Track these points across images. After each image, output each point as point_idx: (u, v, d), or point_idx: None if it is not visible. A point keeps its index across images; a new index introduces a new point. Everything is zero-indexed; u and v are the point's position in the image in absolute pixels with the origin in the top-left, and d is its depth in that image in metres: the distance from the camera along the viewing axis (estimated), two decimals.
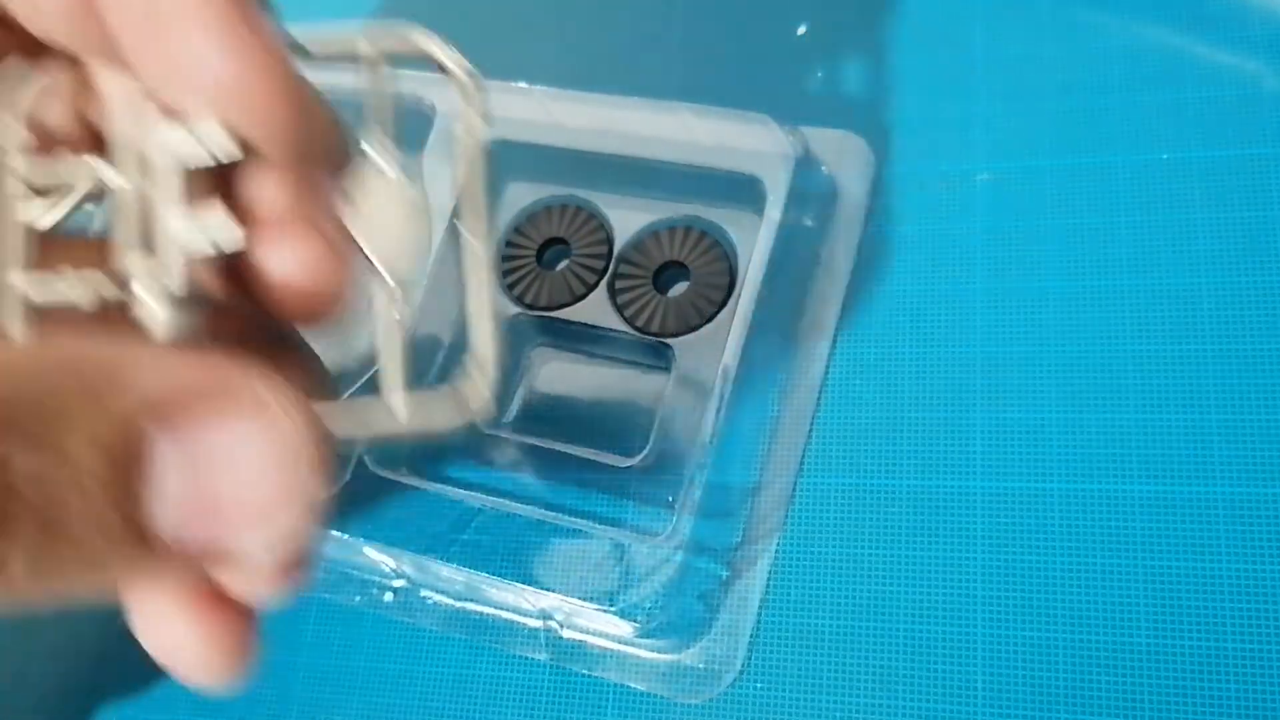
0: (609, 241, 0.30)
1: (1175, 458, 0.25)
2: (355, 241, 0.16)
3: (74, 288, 0.15)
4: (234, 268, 0.16)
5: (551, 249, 0.31)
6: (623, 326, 0.29)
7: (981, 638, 0.25)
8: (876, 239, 0.30)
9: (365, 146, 0.16)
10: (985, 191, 0.29)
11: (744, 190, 0.29)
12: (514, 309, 0.30)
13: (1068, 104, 0.30)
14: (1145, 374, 0.26)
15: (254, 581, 0.16)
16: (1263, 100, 0.28)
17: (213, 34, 0.14)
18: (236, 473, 0.13)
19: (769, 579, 0.27)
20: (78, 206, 0.16)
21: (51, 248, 0.16)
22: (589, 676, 0.27)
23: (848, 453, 0.28)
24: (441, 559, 0.28)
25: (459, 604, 0.29)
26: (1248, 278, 0.27)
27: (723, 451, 0.27)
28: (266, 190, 0.16)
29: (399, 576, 0.29)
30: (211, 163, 0.15)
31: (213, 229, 0.15)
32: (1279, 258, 0.27)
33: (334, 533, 0.29)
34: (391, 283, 0.16)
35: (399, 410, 0.15)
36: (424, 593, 0.29)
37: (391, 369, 0.15)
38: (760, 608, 0.27)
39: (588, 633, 0.27)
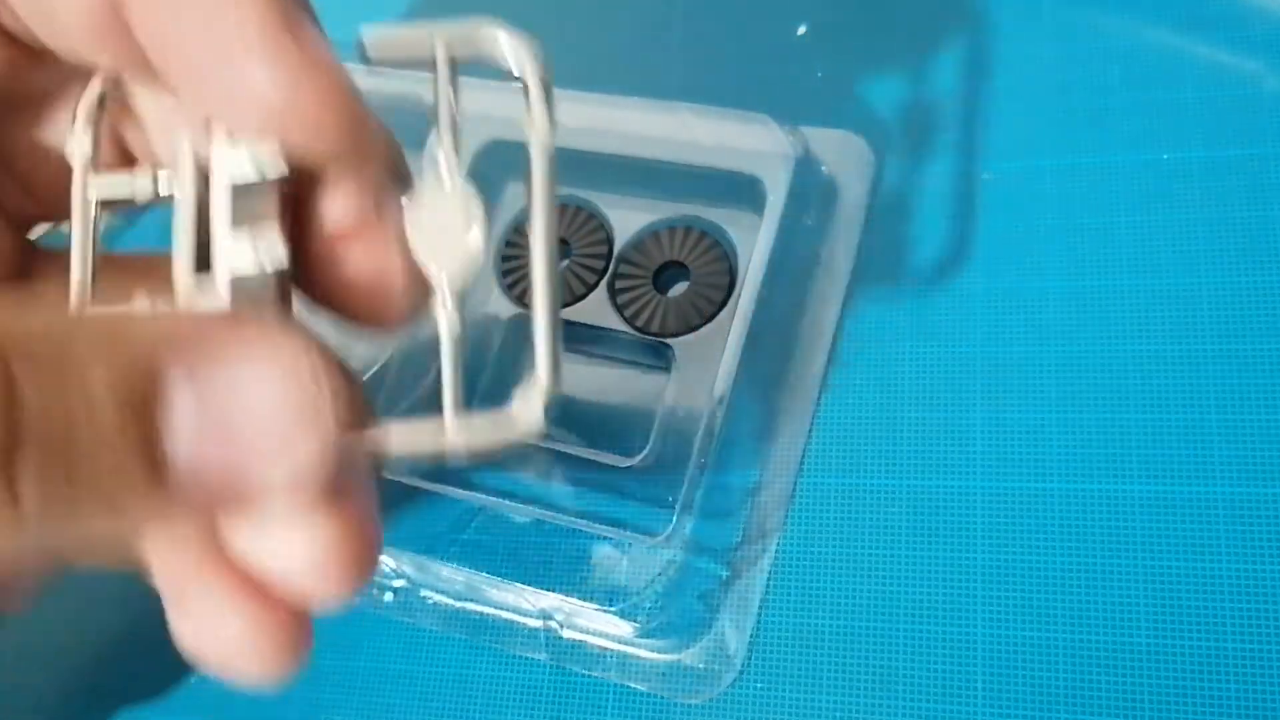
0: (609, 241, 0.30)
1: (1175, 458, 0.25)
2: (413, 250, 0.16)
3: (137, 302, 0.15)
4: (304, 273, 0.16)
5: None
6: (623, 326, 0.29)
7: (981, 638, 0.25)
8: (876, 239, 0.30)
9: (429, 152, 0.16)
10: (985, 191, 0.29)
11: (744, 190, 0.29)
12: (514, 309, 0.30)
13: (1068, 104, 0.30)
14: (1145, 374, 0.26)
15: (283, 525, 0.15)
16: (1263, 100, 0.28)
17: (267, 61, 0.14)
18: (251, 402, 0.13)
19: (769, 579, 0.27)
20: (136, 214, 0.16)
21: (110, 263, 0.16)
22: (589, 677, 0.27)
23: (848, 452, 0.28)
24: (441, 559, 0.28)
25: (459, 604, 0.29)
26: (1248, 278, 0.27)
27: (723, 451, 0.27)
28: (330, 205, 0.16)
29: (399, 576, 0.29)
30: (257, 180, 0.15)
31: (261, 249, 0.15)
32: (1279, 258, 0.27)
33: None
34: (447, 293, 0.15)
35: (453, 429, 0.15)
36: (424, 593, 0.29)
37: (449, 385, 0.15)
38: (760, 608, 0.27)
39: (588, 633, 0.27)
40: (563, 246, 0.31)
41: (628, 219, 0.30)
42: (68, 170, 0.17)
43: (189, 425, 0.13)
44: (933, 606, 0.26)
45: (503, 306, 0.31)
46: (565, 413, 0.30)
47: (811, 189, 0.29)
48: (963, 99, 0.31)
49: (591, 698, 0.27)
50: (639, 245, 0.30)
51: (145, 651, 0.31)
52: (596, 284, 0.30)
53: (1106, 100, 0.30)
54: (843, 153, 0.30)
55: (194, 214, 0.15)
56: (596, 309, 0.29)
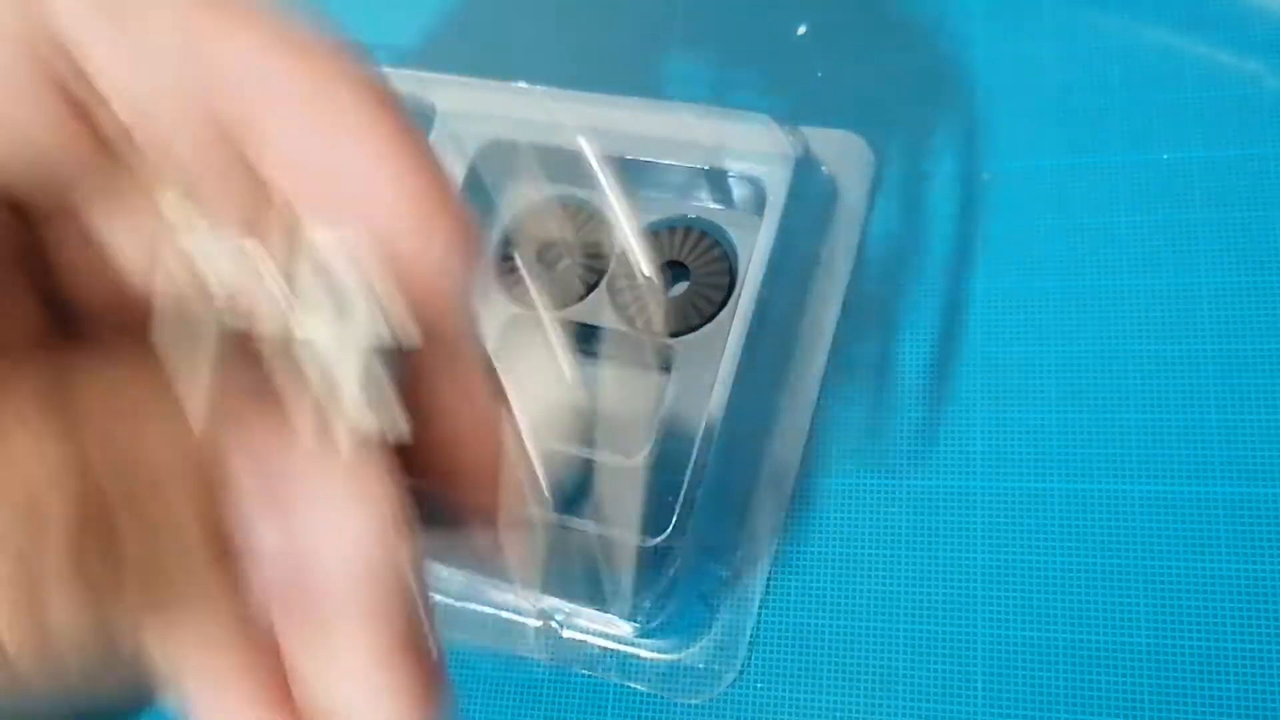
0: (610, 242, 0.30)
1: (1175, 458, 0.25)
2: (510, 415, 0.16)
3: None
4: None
5: (552, 250, 0.31)
6: (623, 326, 0.29)
7: (981, 637, 0.25)
8: (876, 239, 0.30)
9: (541, 315, 0.16)
10: (985, 191, 0.29)
11: (744, 190, 0.29)
12: (514, 309, 0.30)
13: (1068, 104, 0.30)
14: (1145, 374, 0.26)
15: (357, 666, 0.16)
16: (1263, 100, 0.28)
17: (405, 194, 0.14)
18: (330, 537, 0.14)
19: (769, 579, 0.27)
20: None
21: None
22: (589, 677, 0.27)
23: (848, 452, 0.28)
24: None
25: (459, 604, 0.29)
26: (1248, 278, 0.27)
27: (723, 451, 0.27)
28: (445, 380, 0.16)
29: None
30: (389, 344, 0.15)
31: (384, 417, 0.15)
32: (1279, 258, 0.27)
33: None
34: (534, 456, 0.16)
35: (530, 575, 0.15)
36: None
37: (509, 501, 0.16)
38: (760, 608, 0.27)
39: (588, 633, 0.27)
40: (563, 246, 0.31)
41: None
42: (104, 273, 0.17)
43: (265, 550, 0.13)
44: (933, 606, 0.26)
45: (502, 306, 0.31)
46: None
47: (811, 189, 0.29)
48: (963, 99, 0.31)
49: (592, 698, 0.27)
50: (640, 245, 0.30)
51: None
52: (596, 284, 0.30)
53: (1106, 100, 0.30)
54: (843, 153, 0.30)
55: (283, 302, 0.15)
56: (596, 309, 0.29)
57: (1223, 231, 0.27)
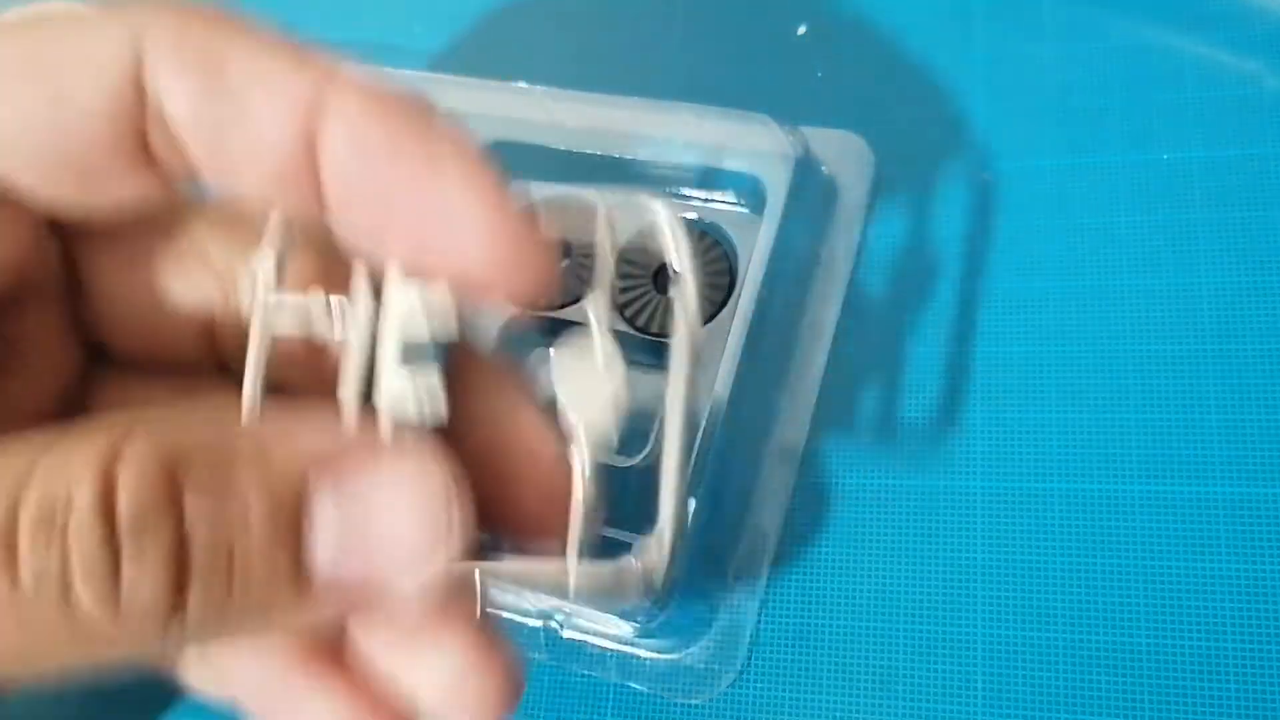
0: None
1: (1174, 457, 0.25)
2: (558, 399, 0.16)
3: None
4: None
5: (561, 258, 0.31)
6: (623, 326, 0.29)
7: (981, 638, 0.25)
8: (876, 239, 0.30)
9: (588, 314, 0.17)
10: (985, 191, 0.29)
11: (744, 190, 0.29)
12: (514, 309, 0.30)
13: (1068, 104, 0.30)
14: (1145, 374, 0.26)
15: (411, 625, 0.16)
16: (1263, 100, 0.28)
17: (487, 226, 0.15)
18: (389, 517, 0.14)
19: (769, 579, 0.27)
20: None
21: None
22: (589, 677, 0.27)
23: (847, 451, 0.28)
24: None
25: None
26: (1247, 278, 0.27)
27: (723, 451, 0.27)
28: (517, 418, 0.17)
29: None
30: (427, 342, 0.16)
31: (424, 400, 0.16)
32: (1279, 258, 0.27)
33: None
34: (585, 449, 0.16)
35: (571, 577, 0.16)
36: None
37: (574, 533, 0.16)
38: (760, 608, 0.27)
39: (588, 633, 0.27)
40: (563, 247, 0.31)
41: (628, 219, 0.30)
42: (146, 310, 0.18)
43: (332, 534, 0.14)
44: (933, 606, 0.26)
45: (502, 306, 0.31)
46: None
47: (811, 189, 0.29)
48: (963, 99, 0.31)
49: (592, 698, 0.27)
50: (639, 245, 0.30)
51: None
52: None
53: (1106, 100, 0.30)
54: (843, 153, 0.30)
55: (366, 347, 0.16)
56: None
57: (1223, 231, 0.27)
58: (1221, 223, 0.27)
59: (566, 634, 0.27)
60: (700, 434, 0.27)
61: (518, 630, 0.28)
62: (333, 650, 0.17)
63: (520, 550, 0.17)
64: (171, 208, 0.17)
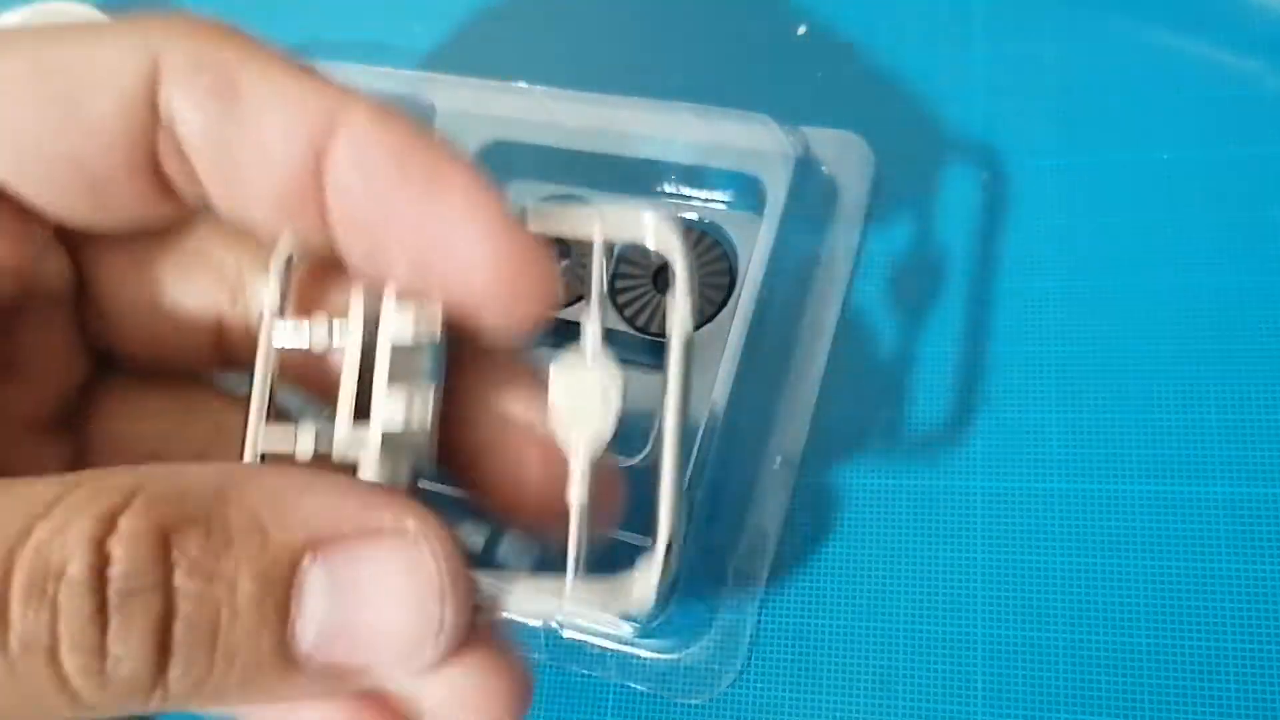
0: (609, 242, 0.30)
1: (1174, 457, 0.25)
2: (552, 414, 0.16)
3: (302, 445, 0.17)
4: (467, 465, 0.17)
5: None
6: (623, 326, 0.29)
7: (981, 638, 0.25)
8: (876, 239, 0.30)
9: (584, 325, 0.17)
10: (985, 191, 0.29)
11: (744, 190, 0.29)
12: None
13: (1068, 104, 0.30)
14: (1145, 374, 0.26)
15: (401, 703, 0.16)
16: (1263, 100, 0.28)
17: (490, 241, 0.15)
18: (380, 605, 0.14)
19: (769, 579, 0.27)
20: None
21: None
22: (589, 677, 0.27)
23: (848, 452, 0.28)
24: None
25: None
26: (1247, 278, 0.27)
27: (723, 451, 0.27)
28: (511, 401, 0.17)
29: None
30: (413, 344, 0.16)
31: (414, 407, 0.16)
32: (1279, 258, 0.27)
33: None
34: (583, 460, 0.16)
35: (570, 597, 0.16)
36: None
37: (573, 552, 0.16)
38: (760, 608, 0.27)
39: (588, 633, 0.27)
40: (562, 246, 0.31)
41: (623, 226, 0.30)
42: (153, 316, 0.18)
43: (321, 617, 0.14)
44: (932, 607, 0.26)
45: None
46: None
47: (812, 189, 0.29)
48: (963, 99, 0.31)
49: (592, 698, 0.27)
50: (639, 245, 0.30)
51: None
52: None
53: (1106, 100, 0.30)
54: (843, 153, 0.30)
55: (358, 365, 0.16)
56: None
57: (1223, 231, 0.27)
58: (1221, 223, 0.27)
59: (567, 634, 0.27)
60: (700, 434, 0.27)
61: (518, 630, 0.28)
62: None
63: (526, 538, 0.17)
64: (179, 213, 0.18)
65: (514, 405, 0.17)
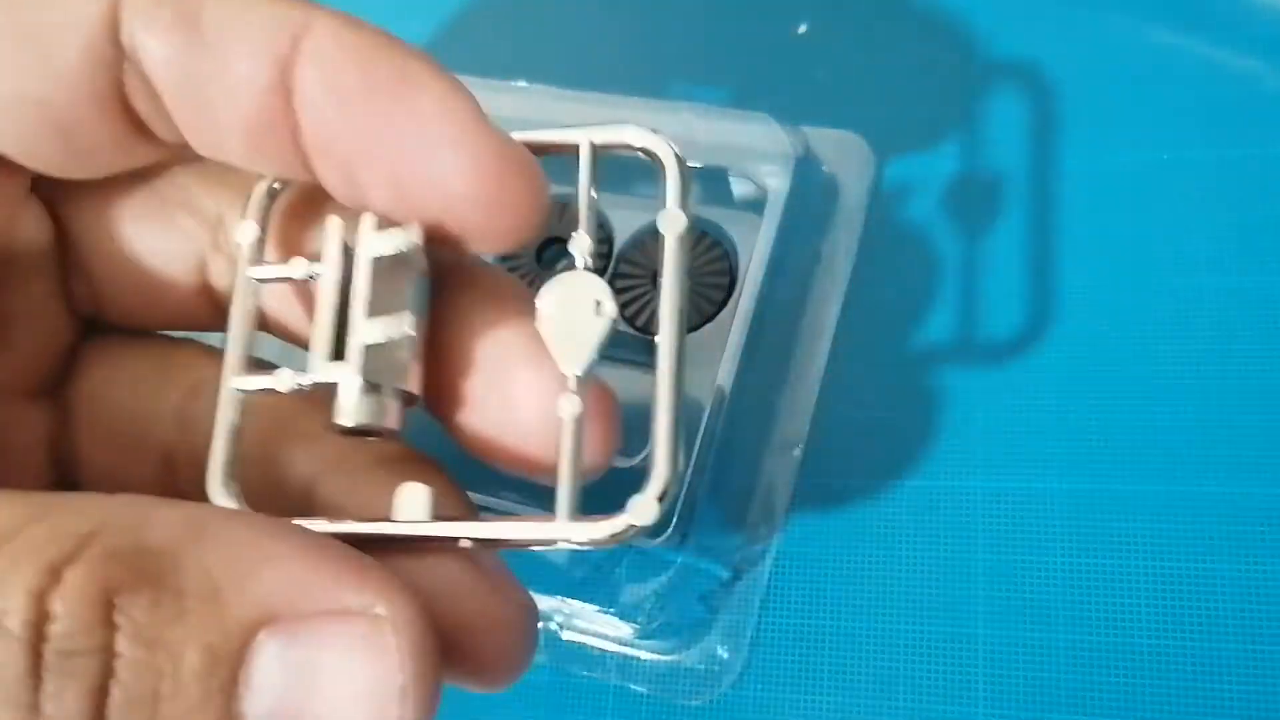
0: (609, 241, 0.30)
1: (1175, 457, 0.25)
2: (541, 330, 0.16)
3: (278, 380, 0.16)
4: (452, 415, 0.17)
5: (551, 248, 0.31)
6: (623, 326, 0.29)
7: (982, 638, 0.25)
8: (877, 238, 0.30)
9: (570, 243, 0.16)
10: (985, 191, 0.29)
11: (744, 190, 0.29)
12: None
13: (1068, 104, 0.30)
14: (1145, 373, 0.26)
15: None
16: (1263, 100, 0.28)
17: (470, 150, 0.15)
18: (337, 693, 0.13)
19: (769, 580, 0.27)
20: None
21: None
22: (589, 678, 0.27)
23: (848, 453, 0.28)
24: None
25: None
26: (1248, 278, 0.27)
27: (723, 452, 0.27)
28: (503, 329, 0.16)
29: None
30: (395, 253, 0.15)
31: (393, 322, 0.15)
32: (1279, 258, 0.27)
33: None
34: (575, 369, 0.15)
35: (567, 527, 0.15)
36: None
37: (564, 475, 0.15)
38: (761, 609, 0.27)
39: (588, 634, 0.27)
40: (563, 246, 0.31)
41: (628, 219, 0.30)
42: (135, 272, 0.17)
43: (270, 698, 0.13)
44: (933, 607, 0.26)
45: None
46: None
47: (812, 188, 0.29)
48: (963, 98, 0.31)
49: (591, 699, 0.27)
50: (639, 245, 0.30)
51: None
52: None
53: (1107, 100, 0.30)
54: (843, 152, 0.30)
55: (336, 295, 0.16)
56: None
57: (1223, 231, 0.27)
58: (1222, 223, 0.27)
59: (566, 636, 0.27)
60: (701, 434, 0.27)
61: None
62: None
63: (516, 478, 0.17)
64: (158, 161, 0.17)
65: (505, 341, 0.16)
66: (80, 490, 0.16)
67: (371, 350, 0.15)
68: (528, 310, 0.16)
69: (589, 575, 0.28)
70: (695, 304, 0.29)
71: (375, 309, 0.15)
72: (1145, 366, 0.26)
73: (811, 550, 0.27)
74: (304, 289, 0.17)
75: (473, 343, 0.16)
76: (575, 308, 0.16)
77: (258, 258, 0.16)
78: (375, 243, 0.15)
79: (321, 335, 0.16)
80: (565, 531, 0.15)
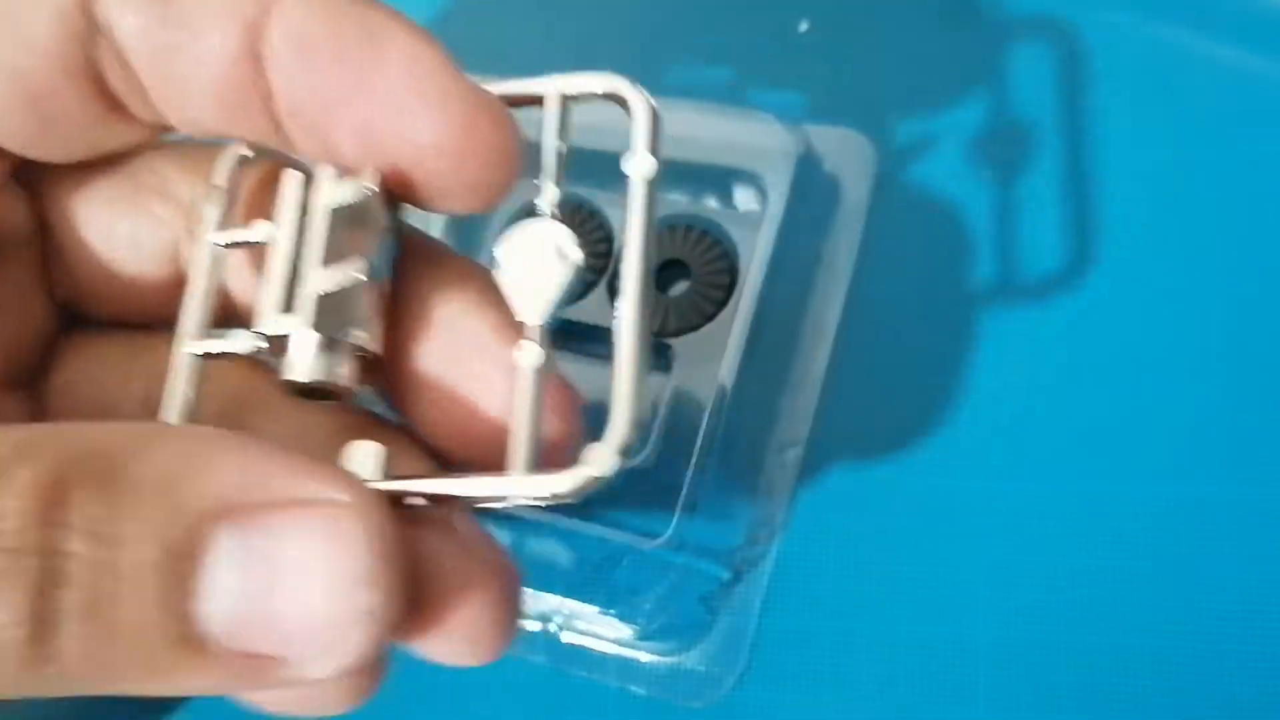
0: (609, 240, 0.30)
1: (1175, 457, 0.25)
2: (502, 282, 0.15)
3: (235, 341, 0.16)
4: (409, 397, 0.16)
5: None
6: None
7: (984, 639, 0.25)
8: (878, 237, 0.29)
9: (540, 193, 0.16)
10: (986, 190, 0.29)
11: (745, 188, 0.29)
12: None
13: (1068, 103, 0.30)
14: (1147, 373, 0.26)
15: (312, 698, 0.15)
16: (1263, 100, 0.28)
17: (441, 104, 0.15)
18: (299, 584, 0.12)
19: (770, 581, 0.27)
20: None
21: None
22: (589, 680, 0.27)
23: (849, 453, 0.28)
24: None
25: None
26: (1250, 279, 0.27)
27: (723, 452, 0.27)
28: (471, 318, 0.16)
29: None
30: (354, 200, 0.15)
31: (347, 267, 0.15)
32: None
33: None
34: (536, 317, 0.15)
35: (519, 480, 0.14)
36: None
37: (521, 430, 0.14)
38: (761, 610, 0.27)
39: (588, 636, 0.27)
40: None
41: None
42: (109, 258, 0.17)
43: (230, 597, 0.12)
44: (934, 608, 0.26)
45: None
46: None
47: (813, 187, 0.29)
48: (964, 97, 0.31)
49: (591, 701, 0.27)
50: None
51: None
52: (596, 283, 0.30)
53: (1107, 100, 0.29)
54: (844, 150, 0.30)
55: (291, 246, 0.15)
56: (596, 309, 0.29)
57: (1223, 232, 0.27)
58: (1222, 223, 0.27)
59: (565, 638, 0.27)
60: (701, 434, 0.27)
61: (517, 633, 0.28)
62: None
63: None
64: (136, 147, 0.17)
65: (469, 321, 0.16)
66: None
67: (325, 303, 0.15)
68: (494, 296, 0.16)
69: (589, 576, 0.28)
70: (695, 304, 0.29)
71: (331, 261, 0.15)
72: (1148, 366, 0.26)
73: (812, 551, 0.27)
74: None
75: (434, 327, 0.16)
76: (536, 255, 0.15)
77: (222, 223, 0.16)
78: (332, 192, 0.15)
79: (274, 287, 0.15)
80: (523, 486, 0.14)
